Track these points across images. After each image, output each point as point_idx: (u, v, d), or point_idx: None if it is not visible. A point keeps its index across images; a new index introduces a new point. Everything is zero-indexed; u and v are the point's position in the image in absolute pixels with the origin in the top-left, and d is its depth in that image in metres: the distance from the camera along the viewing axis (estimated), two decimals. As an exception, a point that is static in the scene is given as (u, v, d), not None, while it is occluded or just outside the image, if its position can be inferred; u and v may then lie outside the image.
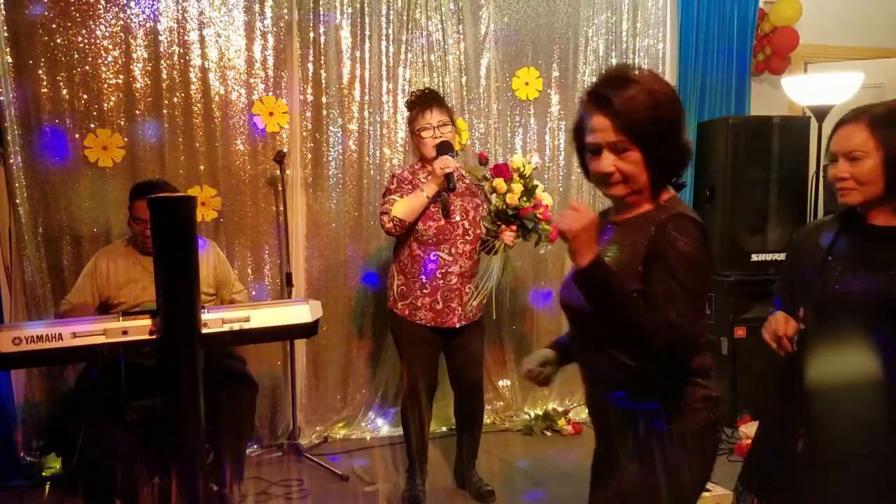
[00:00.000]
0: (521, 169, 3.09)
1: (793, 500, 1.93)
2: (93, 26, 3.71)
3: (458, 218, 3.17)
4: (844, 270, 1.87)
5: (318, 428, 4.19)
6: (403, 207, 3.10)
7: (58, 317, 3.34)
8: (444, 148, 3.10)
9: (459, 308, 3.19)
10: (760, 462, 2.08)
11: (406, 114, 4.19)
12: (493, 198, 3.14)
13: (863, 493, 1.82)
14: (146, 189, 3.13)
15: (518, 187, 3.07)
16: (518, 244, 3.24)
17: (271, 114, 3.99)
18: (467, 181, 3.28)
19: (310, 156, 4.10)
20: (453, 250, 3.16)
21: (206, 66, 3.88)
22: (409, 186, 3.19)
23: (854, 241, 1.92)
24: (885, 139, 1.82)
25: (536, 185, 3.13)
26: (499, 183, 3.07)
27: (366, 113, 4.16)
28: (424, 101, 3.19)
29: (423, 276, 3.16)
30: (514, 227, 3.11)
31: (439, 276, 3.16)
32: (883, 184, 1.83)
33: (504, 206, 3.07)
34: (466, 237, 3.18)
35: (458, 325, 3.20)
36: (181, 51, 3.84)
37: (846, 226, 1.96)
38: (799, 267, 2.05)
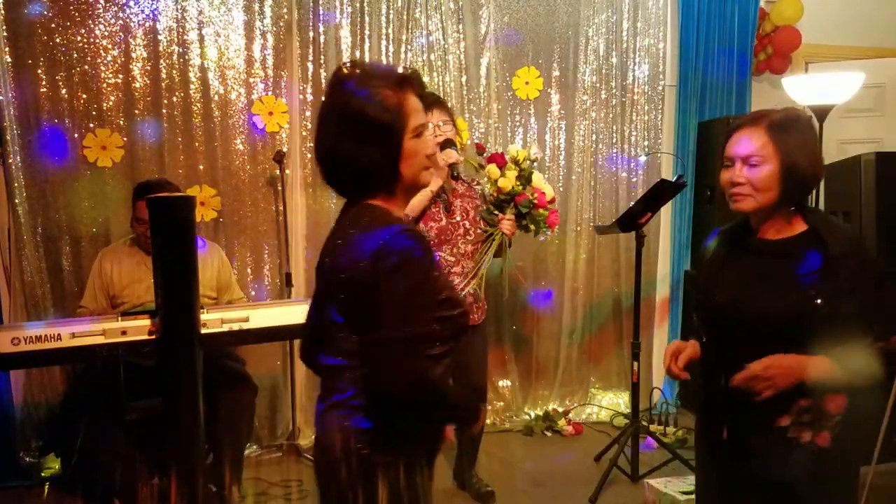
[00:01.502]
0: (516, 156, 3.09)
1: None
2: (92, 26, 3.70)
3: (458, 218, 3.16)
4: (737, 284, 1.86)
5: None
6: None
7: None
8: (447, 145, 3.11)
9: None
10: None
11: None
12: (487, 185, 3.14)
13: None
14: (149, 189, 3.12)
15: (511, 174, 3.06)
16: (518, 243, 3.23)
17: (271, 113, 3.98)
18: (467, 182, 3.27)
19: (309, 155, 4.09)
20: (455, 251, 3.15)
21: (206, 65, 3.87)
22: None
23: (742, 254, 1.90)
24: (783, 146, 1.80)
25: (533, 173, 3.13)
26: (492, 169, 3.07)
27: (366, 112, 4.14)
28: (425, 103, 3.18)
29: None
30: (511, 216, 3.11)
31: None
32: (777, 191, 1.80)
33: (497, 193, 3.07)
34: (468, 237, 3.17)
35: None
36: (180, 50, 3.83)
37: (735, 238, 1.95)
38: (697, 278, 2.06)
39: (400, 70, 1.60)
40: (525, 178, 3.09)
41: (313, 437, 1.64)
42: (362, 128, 1.48)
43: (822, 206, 4.06)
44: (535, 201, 3.10)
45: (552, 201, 3.18)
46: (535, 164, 3.18)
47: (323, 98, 1.56)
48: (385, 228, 1.45)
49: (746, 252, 1.90)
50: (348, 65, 1.58)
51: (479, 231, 3.19)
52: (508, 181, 3.05)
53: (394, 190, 1.55)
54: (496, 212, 3.13)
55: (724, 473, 1.94)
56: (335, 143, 1.50)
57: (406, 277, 1.41)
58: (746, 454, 1.85)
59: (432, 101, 3.19)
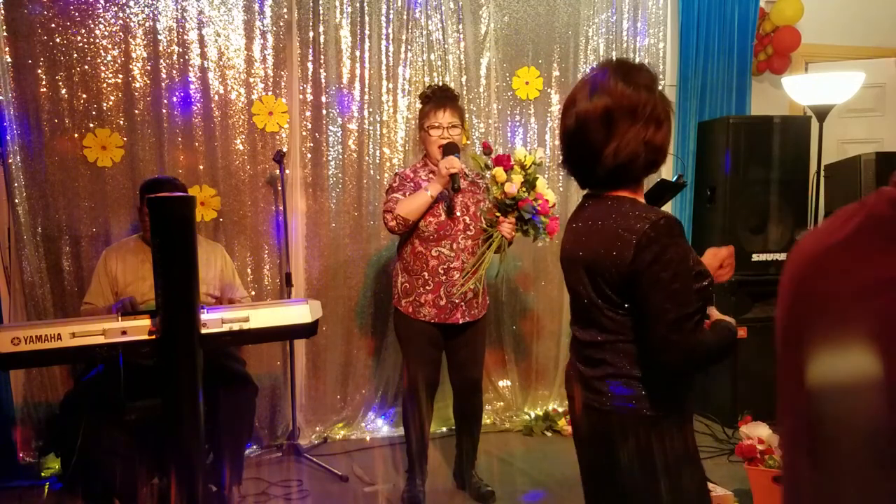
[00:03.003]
0: (523, 160, 3.08)
1: None
2: (92, 25, 3.70)
3: (458, 213, 3.16)
4: None
5: (317, 428, 4.18)
6: (407, 206, 3.08)
7: None
8: (451, 149, 3.08)
9: (463, 304, 3.18)
10: None
11: (406, 113, 4.21)
12: (493, 187, 3.13)
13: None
14: (157, 186, 3.14)
15: (518, 178, 3.05)
16: (518, 243, 3.23)
17: (271, 113, 3.98)
18: (470, 177, 3.27)
19: (309, 155, 4.10)
20: (455, 246, 3.15)
21: (206, 65, 3.87)
22: (412, 184, 3.18)
23: None
24: None
25: (538, 178, 3.12)
26: (498, 172, 3.06)
27: (366, 112, 4.15)
28: (439, 99, 3.17)
29: (425, 273, 3.15)
30: (512, 220, 3.10)
31: (441, 272, 3.14)
32: None
33: (502, 196, 3.05)
34: (468, 232, 3.16)
35: (461, 322, 3.19)
36: (180, 50, 3.83)
37: None
38: None
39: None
40: (530, 183, 3.08)
41: (572, 401, 1.84)
42: (652, 118, 1.65)
43: (821, 206, 4.07)
44: (538, 208, 3.09)
45: (553, 207, 3.17)
46: (540, 166, 3.17)
47: (586, 97, 1.68)
48: (641, 219, 1.61)
49: None
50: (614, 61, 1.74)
51: (479, 227, 3.18)
52: (514, 185, 3.04)
53: (639, 181, 1.74)
54: (498, 213, 3.12)
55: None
56: (623, 134, 1.64)
57: (668, 263, 1.57)
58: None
59: (446, 100, 3.17)
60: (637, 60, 4.49)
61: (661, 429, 1.67)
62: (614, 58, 4.50)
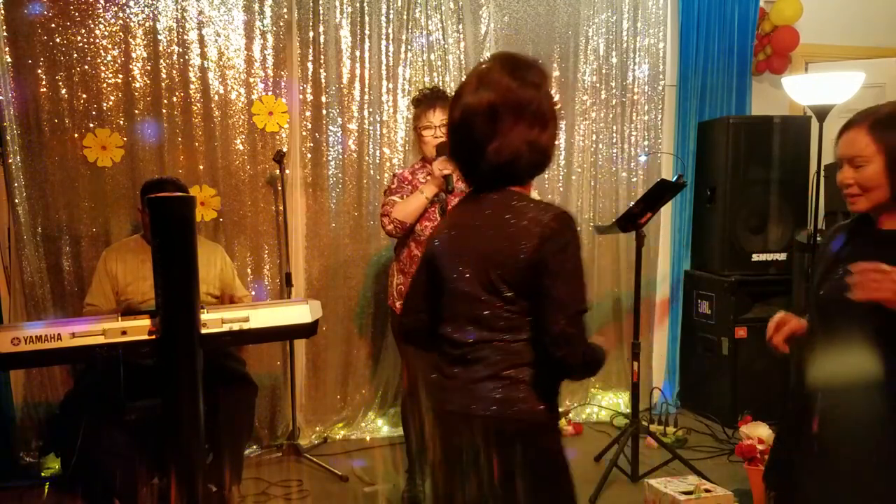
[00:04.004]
0: None
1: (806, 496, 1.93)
2: (92, 25, 3.70)
3: None
4: (846, 274, 1.85)
5: (317, 428, 4.18)
6: (403, 209, 3.09)
7: None
8: (443, 149, 3.09)
9: None
10: (777, 462, 2.09)
11: (406, 113, 4.21)
12: None
13: (863, 491, 1.82)
14: (159, 186, 3.15)
15: None
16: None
17: (271, 113, 3.98)
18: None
19: (309, 155, 4.10)
20: None
21: (206, 65, 3.87)
22: (409, 186, 3.18)
23: (862, 245, 1.89)
24: (887, 143, 1.78)
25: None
26: None
27: (366, 113, 4.15)
28: (429, 100, 3.18)
29: None
30: None
31: None
32: (888, 188, 1.79)
33: None
34: None
35: None
36: (180, 50, 3.83)
37: (856, 230, 1.94)
38: (812, 272, 2.05)
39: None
40: None
41: (453, 407, 1.71)
42: (537, 117, 1.59)
43: (821, 206, 4.06)
44: None
45: None
46: None
47: (472, 91, 1.60)
48: (545, 210, 1.56)
49: (864, 243, 1.88)
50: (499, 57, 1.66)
51: None
52: None
53: (524, 181, 1.66)
54: None
55: (808, 464, 1.91)
56: (506, 132, 1.57)
57: (572, 255, 1.54)
58: (834, 450, 1.84)
59: (435, 99, 3.18)
60: (636, 61, 4.53)
61: (542, 434, 1.63)
62: (614, 58, 4.51)
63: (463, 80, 1.69)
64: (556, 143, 1.67)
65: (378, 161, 4.18)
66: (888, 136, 1.80)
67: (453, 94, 1.71)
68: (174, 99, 3.84)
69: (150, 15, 3.77)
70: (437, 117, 3.12)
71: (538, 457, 1.61)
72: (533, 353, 1.61)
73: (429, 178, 3.13)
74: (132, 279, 3.27)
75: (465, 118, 1.61)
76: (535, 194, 3.10)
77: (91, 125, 3.73)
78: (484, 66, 1.65)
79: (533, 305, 1.57)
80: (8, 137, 3.58)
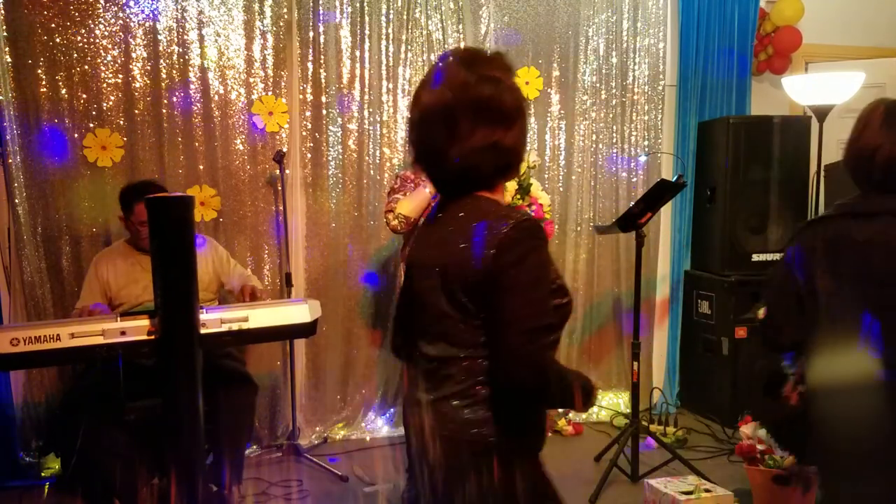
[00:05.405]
0: None
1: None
2: (92, 26, 3.70)
3: None
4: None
5: (317, 428, 4.18)
6: (408, 204, 3.12)
7: None
8: None
9: None
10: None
11: (406, 113, 4.21)
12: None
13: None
14: (143, 190, 3.14)
15: (511, 185, 3.06)
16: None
17: (271, 113, 3.98)
18: None
19: (309, 155, 4.10)
20: None
21: (206, 65, 3.87)
22: (412, 185, 3.20)
23: None
24: None
25: (531, 183, 3.12)
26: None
27: (366, 113, 4.15)
28: None
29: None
30: None
31: None
32: None
33: None
34: None
35: None
36: (180, 50, 3.83)
37: None
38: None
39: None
40: (524, 188, 3.08)
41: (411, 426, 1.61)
42: (499, 116, 1.46)
43: (821, 206, 4.06)
44: (533, 213, 3.10)
45: (549, 209, 3.18)
46: (534, 169, 3.17)
47: (429, 89, 1.49)
48: (503, 219, 1.43)
49: None
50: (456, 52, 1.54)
51: None
52: (508, 194, 3.05)
53: (493, 185, 1.53)
54: None
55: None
56: (466, 135, 1.44)
57: (530, 268, 1.41)
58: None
59: None
60: (636, 61, 4.52)
61: (508, 459, 1.49)
62: (614, 58, 4.50)
63: (423, 77, 1.57)
64: (526, 140, 1.54)
65: (378, 161, 4.18)
66: None
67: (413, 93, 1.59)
68: (174, 99, 3.84)
69: (150, 15, 3.77)
70: None
71: (500, 484, 1.48)
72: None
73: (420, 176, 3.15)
74: (124, 283, 3.26)
75: (422, 119, 1.50)
76: (543, 197, 3.12)
77: (91, 125, 3.73)
78: (439, 62, 1.53)
79: (487, 322, 1.45)
80: (8, 137, 3.58)
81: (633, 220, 3.49)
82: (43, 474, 3.63)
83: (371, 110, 4.15)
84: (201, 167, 3.91)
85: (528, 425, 1.54)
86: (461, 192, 1.52)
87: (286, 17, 3.98)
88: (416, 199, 3.11)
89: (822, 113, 3.93)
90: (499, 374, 1.45)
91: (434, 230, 1.56)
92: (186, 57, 3.84)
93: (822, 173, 4.07)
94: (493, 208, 1.48)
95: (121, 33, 3.74)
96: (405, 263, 1.71)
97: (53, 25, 3.64)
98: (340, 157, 4.14)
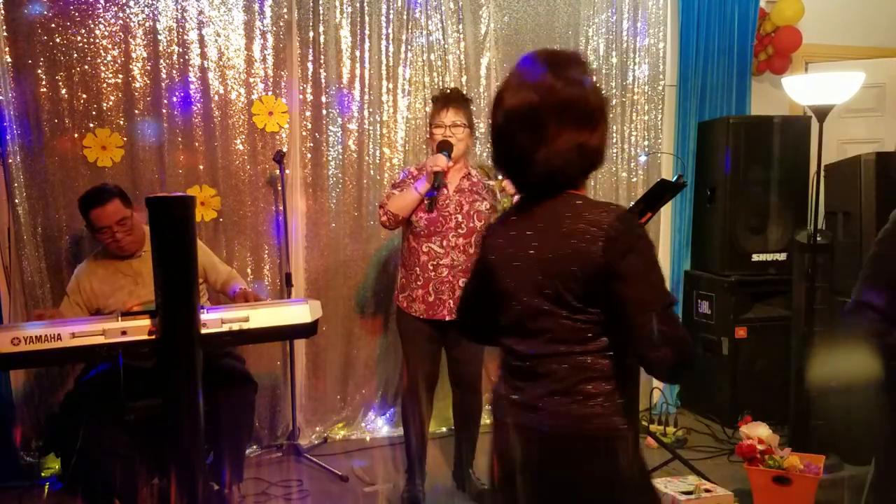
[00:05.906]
0: None
1: None
2: (92, 26, 3.70)
3: (451, 210, 3.18)
4: None
5: (317, 428, 4.18)
6: (397, 203, 3.16)
7: None
8: (442, 147, 3.13)
9: (451, 301, 3.19)
10: None
11: (406, 113, 4.22)
12: (503, 199, 3.16)
13: None
14: (97, 197, 3.10)
15: (511, 185, 3.06)
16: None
17: (271, 113, 3.98)
18: (474, 179, 3.28)
19: (309, 155, 4.10)
20: (445, 243, 3.17)
21: (206, 65, 3.87)
22: (412, 181, 3.21)
23: None
24: None
25: None
26: (508, 185, 3.07)
27: (366, 113, 4.15)
28: (442, 100, 3.25)
29: (417, 268, 3.18)
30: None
31: (431, 268, 3.17)
32: None
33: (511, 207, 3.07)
34: (459, 230, 3.18)
35: (447, 318, 3.20)
36: (180, 50, 3.83)
37: None
38: None
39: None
40: None
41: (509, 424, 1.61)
42: (584, 118, 1.49)
43: (821, 206, 4.06)
44: None
45: None
46: None
47: (513, 92, 1.52)
48: (603, 212, 1.47)
49: None
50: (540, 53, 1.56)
51: (472, 225, 3.20)
52: (509, 195, 3.07)
53: (578, 184, 1.57)
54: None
55: None
56: (552, 138, 1.47)
57: (643, 252, 1.45)
58: None
59: (449, 100, 3.22)
60: (636, 61, 4.52)
61: (622, 449, 1.51)
62: (614, 58, 4.50)
63: (504, 80, 1.60)
64: (608, 139, 1.57)
65: (378, 161, 4.18)
66: None
67: (494, 95, 1.61)
68: (174, 99, 3.84)
69: (150, 15, 3.77)
70: (449, 117, 3.17)
71: (619, 473, 1.51)
72: (608, 365, 1.52)
73: (423, 173, 3.16)
74: (110, 291, 3.21)
75: (508, 124, 1.52)
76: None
77: (91, 125, 3.73)
78: (521, 66, 1.57)
79: (608, 313, 1.48)
80: (8, 137, 3.58)
81: (633, 220, 3.48)
82: (43, 474, 3.63)
83: (371, 110, 4.16)
84: (201, 167, 3.91)
85: (635, 414, 1.62)
86: (549, 192, 1.55)
87: (286, 17, 3.98)
88: (406, 198, 3.14)
89: (822, 113, 3.92)
90: (646, 358, 1.46)
91: (523, 228, 1.58)
92: (186, 57, 3.84)
93: (822, 173, 4.06)
94: (589, 204, 1.52)
95: (121, 33, 3.74)
96: (480, 264, 1.71)
97: (53, 25, 3.64)
98: (340, 157, 4.14)
